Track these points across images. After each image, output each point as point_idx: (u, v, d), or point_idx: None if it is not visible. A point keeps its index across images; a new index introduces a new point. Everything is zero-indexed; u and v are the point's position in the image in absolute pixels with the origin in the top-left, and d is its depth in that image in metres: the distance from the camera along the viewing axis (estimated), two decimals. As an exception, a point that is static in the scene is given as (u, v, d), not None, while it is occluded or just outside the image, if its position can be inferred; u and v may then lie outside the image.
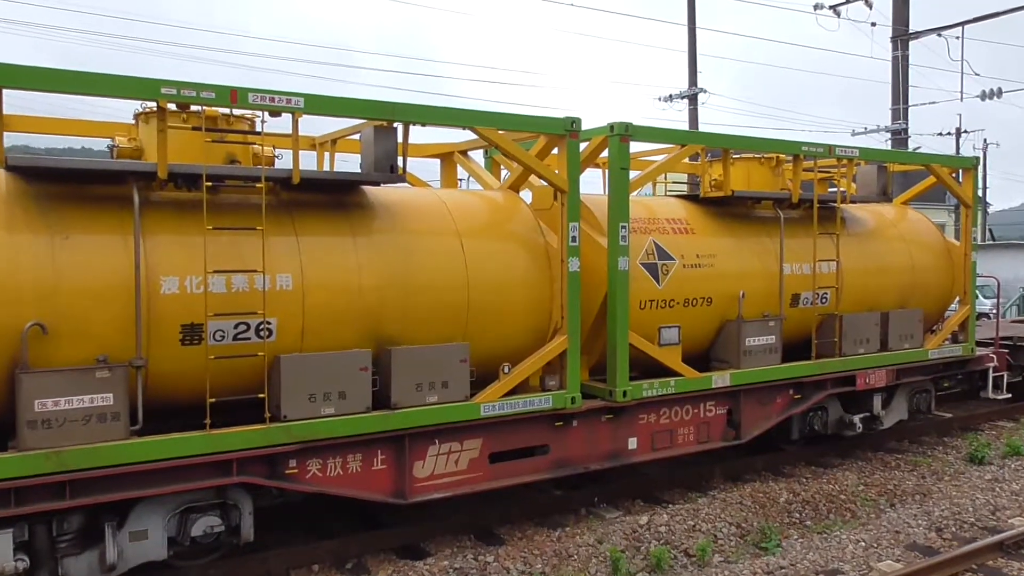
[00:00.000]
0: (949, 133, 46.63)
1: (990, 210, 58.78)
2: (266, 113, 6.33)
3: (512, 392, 7.73)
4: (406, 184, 9.35)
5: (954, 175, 12.16)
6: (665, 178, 12.09)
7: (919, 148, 29.15)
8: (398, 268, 7.10)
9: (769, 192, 10.19)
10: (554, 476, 8.09)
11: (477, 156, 10.13)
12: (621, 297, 8.22)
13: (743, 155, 10.62)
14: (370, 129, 7.00)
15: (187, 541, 6.23)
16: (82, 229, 5.89)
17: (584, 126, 8.04)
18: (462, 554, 7.27)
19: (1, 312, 5.47)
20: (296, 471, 6.55)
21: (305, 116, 6.58)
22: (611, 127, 8.25)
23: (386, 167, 6.97)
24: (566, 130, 7.79)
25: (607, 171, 8.72)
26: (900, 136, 30.44)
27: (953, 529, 7.93)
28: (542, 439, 7.92)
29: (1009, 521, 8.15)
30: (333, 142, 8.61)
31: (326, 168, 8.84)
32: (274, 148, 7.23)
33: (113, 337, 5.84)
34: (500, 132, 7.64)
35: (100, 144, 7.39)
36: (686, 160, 10.32)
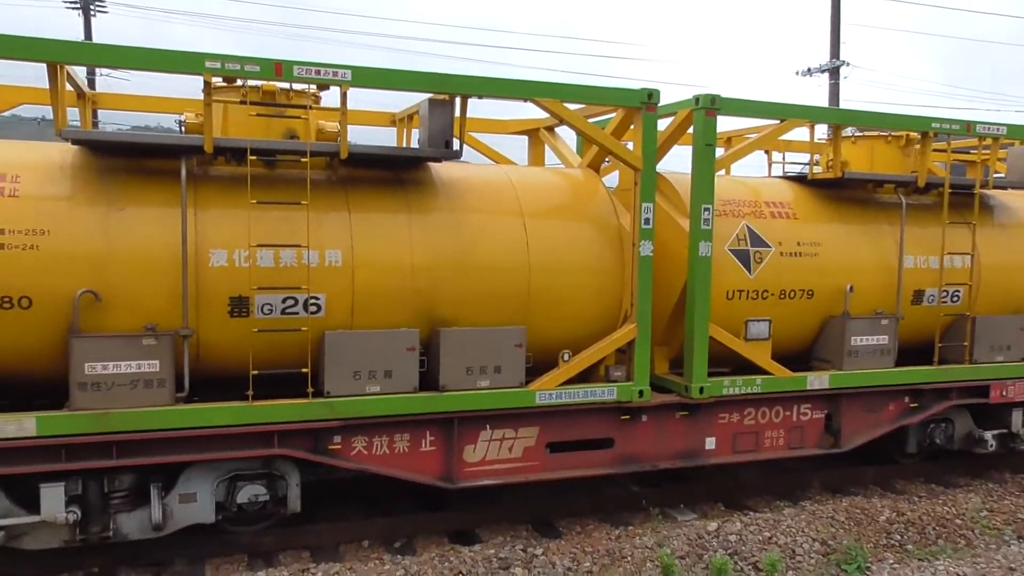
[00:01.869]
0: None
1: None
2: (314, 86, 6.31)
3: (579, 381, 7.39)
4: (491, 161, 9.24)
5: None
6: (783, 159, 11.20)
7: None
8: (453, 248, 6.91)
9: (889, 175, 9.11)
10: (618, 472, 7.66)
11: (570, 132, 9.75)
12: (701, 285, 7.62)
13: (868, 133, 9.58)
14: (426, 103, 6.83)
15: (234, 507, 6.39)
16: (136, 202, 6.12)
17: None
18: (512, 544, 7.02)
19: (57, 279, 5.78)
20: (340, 447, 6.55)
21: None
22: (696, 99, 7.63)
23: (440, 143, 6.77)
24: (641, 102, 7.27)
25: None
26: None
27: (1082, 571, 6.79)
28: (606, 432, 7.51)
29: None
30: (410, 118, 8.50)
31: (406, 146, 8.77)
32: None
33: (162, 307, 6.04)
34: (570, 106, 7.26)
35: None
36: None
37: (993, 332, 9.14)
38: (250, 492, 6.39)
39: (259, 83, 6.46)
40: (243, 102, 6.32)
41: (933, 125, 8.75)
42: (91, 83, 22.09)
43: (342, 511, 7.69)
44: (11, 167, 5.96)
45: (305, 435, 6.44)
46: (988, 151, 9.34)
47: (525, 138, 9.61)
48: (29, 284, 5.74)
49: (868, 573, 6.87)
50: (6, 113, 7.83)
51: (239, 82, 6.44)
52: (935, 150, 9.32)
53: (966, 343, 9.01)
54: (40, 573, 6.36)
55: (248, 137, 6.35)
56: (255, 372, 6.15)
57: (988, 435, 9.19)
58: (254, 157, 6.18)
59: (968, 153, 10.32)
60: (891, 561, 7.21)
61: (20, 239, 5.72)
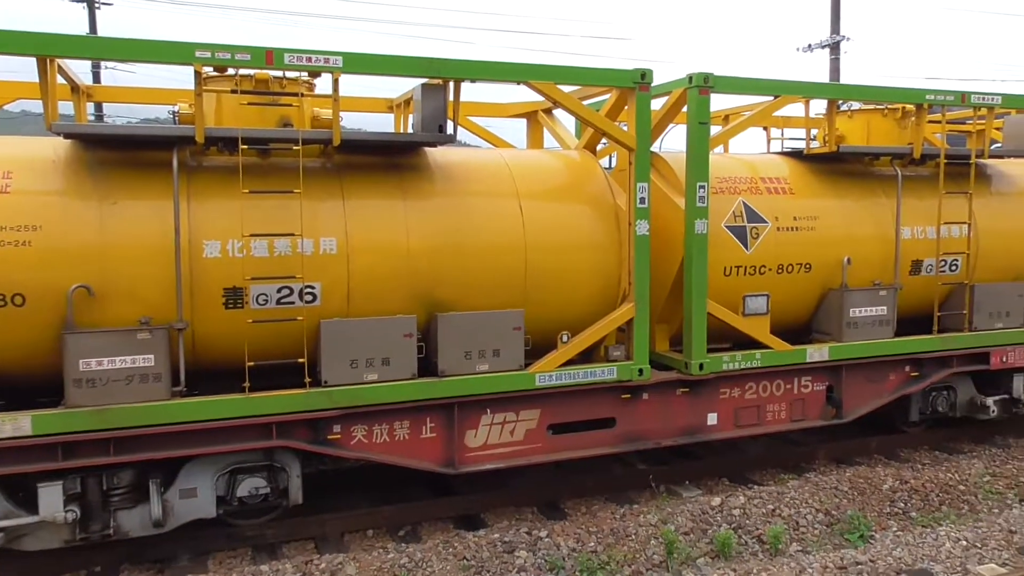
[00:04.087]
0: None
1: None
2: (305, 74, 6.24)
3: (581, 362, 7.37)
4: (483, 145, 9.18)
5: None
6: (782, 134, 11.14)
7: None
8: (449, 231, 6.87)
9: (884, 147, 9.06)
10: (620, 451, 7.67)
11: (569, 115, 9.67)
12: (698, 262, 7.59)
13: (865, 107, 9.52)
14: (419, 88, 6.76)
15: (235, 501, 6.36)
16: (129, 195, 6.05)
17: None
18: (517, 527, 7.00)
19: (50, 275, 5.73)
20: (340, 436, 6.52)
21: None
22: (689, 78, 7.56)
23: (434, 127, 6.70)
24: (635, 82, 7.21)
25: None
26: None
27: (1085, 533, 6.81)
28: (608, 412, 7.49)
29: None
30: (406, 103, 8.41)
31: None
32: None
33: (157, 300, 5.99)
34: (563, 88, 7.19)
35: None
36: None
37: (992, 299, 9.14)
38: (251, 485, 6.37)
39: (252, 72, 6.38)
40: (235, 91, 6.23)
41: (928, 97, 8.69)
42: (96, 76, 21.92)
43: (347, 501, 7.67)
44: (1, 163, 5.89)
45: (304, 425, 6.40)
46: (983, 121, 9.29)
47: (524, 121, 9.54)
48: (22, 281, 5.68)
49: (871, 541, 6.88)
50: (14, 109, 7.72)
51: (231, 71, 6.37)
52: (932, 121, 9.28)
53: (965, 311, 9.01)
54: (42, 574, 6.33)
55: (242, 126, 6.27)
56: (251, 363, 6.12)
57: (990, 401, 9.23)
58: (246, 146, 6.11)
59: (965, 124, 10.27)
60: (895, 529, 7.23)
61: (12, 235, 5.66)
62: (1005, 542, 6.60)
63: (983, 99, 8.96)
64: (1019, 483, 8.20)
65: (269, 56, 5.99)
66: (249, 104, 6.38)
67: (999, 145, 9.99)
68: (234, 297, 6.21)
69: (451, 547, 6.50)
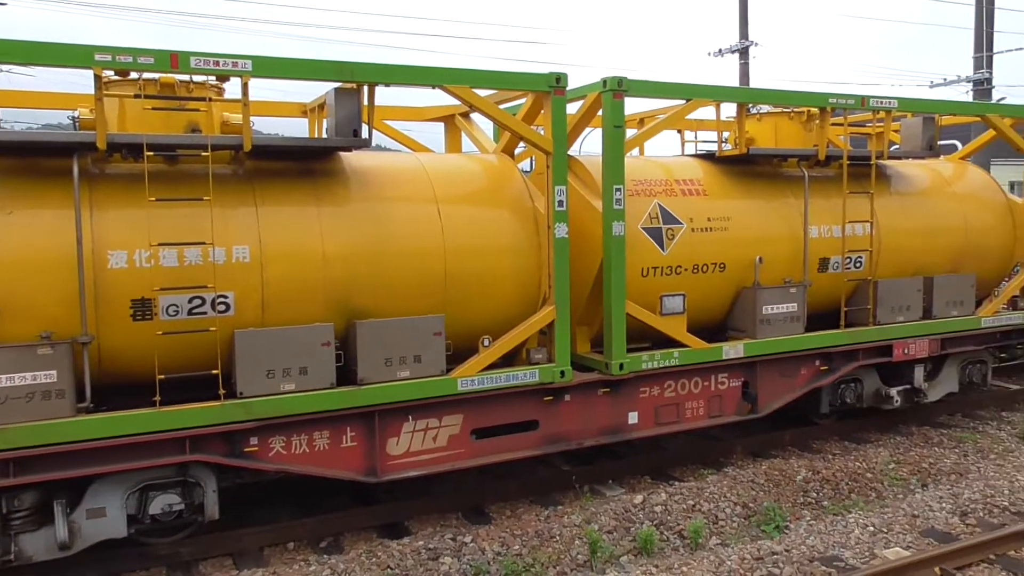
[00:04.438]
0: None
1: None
2: (212, 78, 6.08)
3: (503, 366, 7.39)
4: (401, 149, 9.12)
5: (1020, 127, 11.00)
6: (696, 137, 11.42)
7: (1004, 99, 27.06)
8: (366, 237, 6.79)
9: (790, 149, 9.41)
10: (543, 453, 7.71)
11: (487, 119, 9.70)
12: (616, 264, 7.71)
13: (773, 110, 9.86)
14: (332, 92, 6.67)
15: (147, 519, 6.14)
16: (26, 204, 5.79)
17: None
18: (441, 534, 6.97)
19: (-61, 289, 5.42)
20: (257, 449, 6.36)
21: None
22: (603, 82, 7.68)
23: (348, 131, 6.62)
24: (550, 86, 7.28)
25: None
26: (984, 87, 28.41)
27: (980, 514, 7.18)
28: (531, 414, 7.54)
29: (1049, 506, 7.34)
30: (320, 107, 8.28)
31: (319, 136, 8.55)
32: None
33: (59, 314, 5.74)
34: (478, 91, 7.20)
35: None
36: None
37: (893, 294, 9.57)
38: (164, 502, 6.15)
39: (156, 75, 6.17)
40: (138, 96, 6.02)
41: (830, 100, 9.05)
42: (-10, 80, 20.75)
43: (269, 514, 7.50)
44: None
45: (219, 438, 6.23)
46: (882, 124, 9.73)
47: (442, 125, 9.52)
48: (-92, 297, 5.37)
49: (786, 531, 7.11)
50: None
51: (134, 75, 6.15)
52: (836, 124, 9.67)
53: (869, 306, 9.41)
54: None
55: (147, 132, 6.06)
56: (162, 376, 5.92)
57: (894, 391, 9.67)
58: (151, 153, 5.90)
59: (866, 126, 10.74)
60: (808, 518, 7.50)
61: None
62: (909, 526, 6.92)
63: (881, 103, 9.38)
64: (921, 469, 8.60)
65: (174, 59, 5.81)
66: (154, 109, 6.18)
67: (897, 147, 10.52)
68: (142, 308, 6.00)
69: (375, 556, 6.42)
